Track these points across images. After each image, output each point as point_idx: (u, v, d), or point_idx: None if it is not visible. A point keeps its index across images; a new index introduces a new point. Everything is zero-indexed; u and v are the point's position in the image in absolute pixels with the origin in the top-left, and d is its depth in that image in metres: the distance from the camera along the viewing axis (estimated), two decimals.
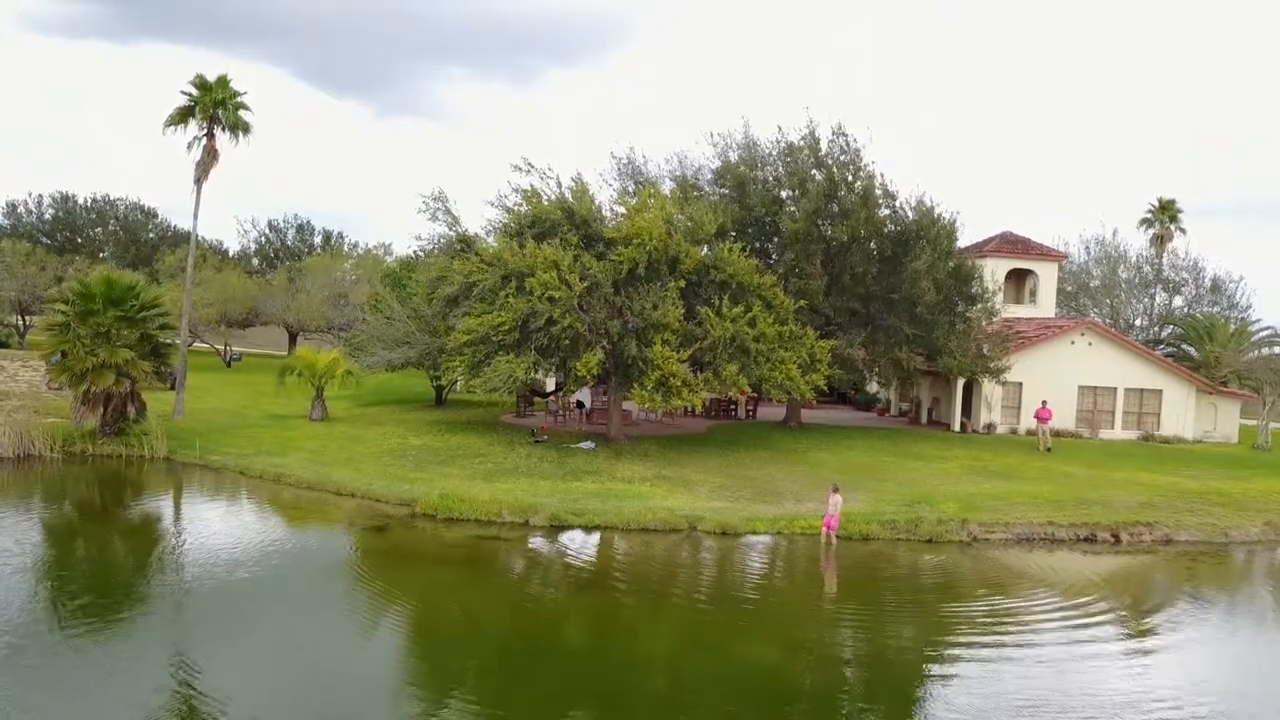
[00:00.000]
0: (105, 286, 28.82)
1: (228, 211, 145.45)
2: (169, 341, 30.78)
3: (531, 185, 29.04)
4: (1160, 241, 58.46)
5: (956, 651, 15.44)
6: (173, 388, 33.63)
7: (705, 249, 28.92)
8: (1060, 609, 17.83)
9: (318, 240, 77.32)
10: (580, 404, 32.46)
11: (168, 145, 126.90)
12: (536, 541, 21.11)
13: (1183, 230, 59.38)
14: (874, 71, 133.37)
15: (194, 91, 34.57)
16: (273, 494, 25.21)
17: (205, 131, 35.14)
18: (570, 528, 22.01)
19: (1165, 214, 59.17)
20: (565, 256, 26.31)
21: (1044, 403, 35.16)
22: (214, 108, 34.66)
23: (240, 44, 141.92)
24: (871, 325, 32.90)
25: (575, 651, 15.08)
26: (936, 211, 32.83)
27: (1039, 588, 19.44)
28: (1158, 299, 52.91)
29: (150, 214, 76.42)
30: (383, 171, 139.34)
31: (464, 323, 26.58)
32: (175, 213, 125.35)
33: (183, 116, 34.76)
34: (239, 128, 35.35)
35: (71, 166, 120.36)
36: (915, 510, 24.26)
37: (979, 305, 35.27)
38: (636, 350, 26.44)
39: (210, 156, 35.27)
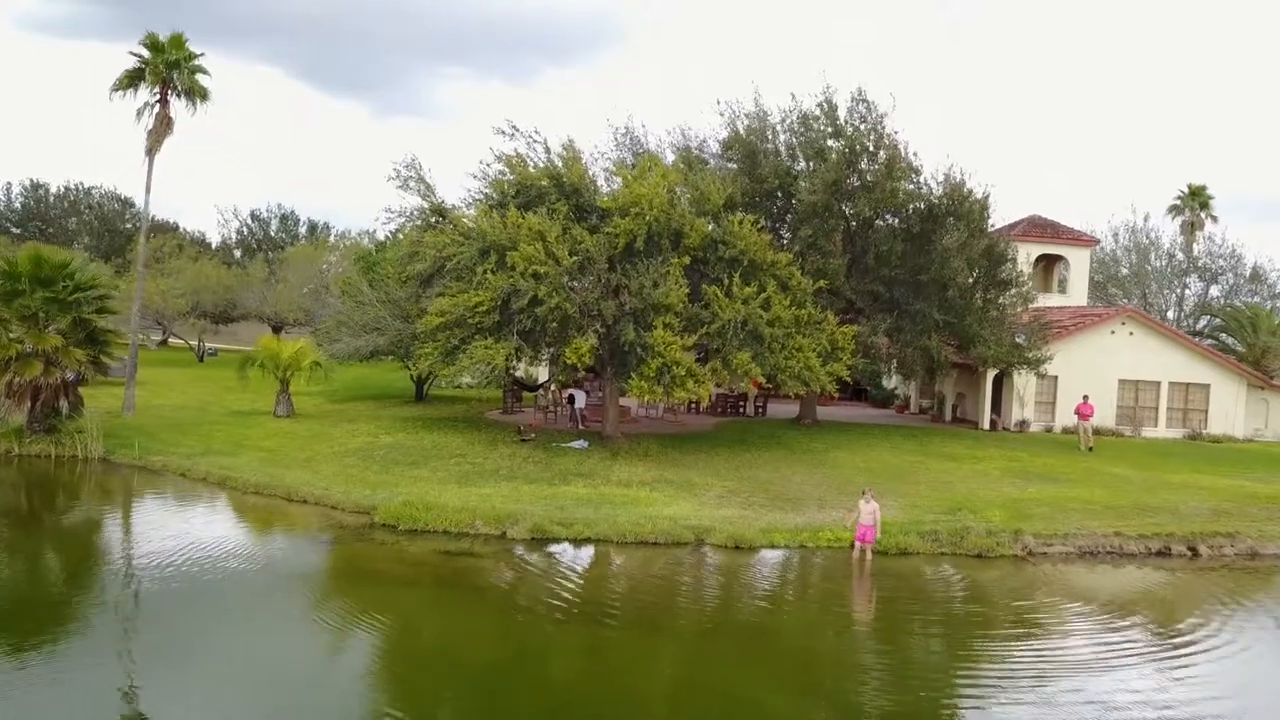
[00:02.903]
0: (33, 265, 25.43)
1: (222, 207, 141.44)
2: (108, 328, 27.30)
3: (516, 151, 25.66)
4: (1190, 229, 55.25)
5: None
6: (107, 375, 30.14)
7: (712, 224, 25.49)
8: (1172, 637, 14.48)
9: (303, 231, 73.87)
10: (572, 399, 29.08)
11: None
12: (513, 558, 17.72)
13: (1214, 218, 56.22)
14: (881, 66, 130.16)
15: (145, 53, 31.17)
16: (211, 500, 21.85)
17: (158, 97, 31.80)
18: (555, 541, 18.63)
19: (1195, 200, 55.99)
20: (553, 227, 22.93)
21: (1085, 398, 31.75)
22: (167, 70, 31.28)
23: (237, 43, 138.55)
24: (897, 311, 29.47)
25: (551, 707, 11.65)
26: (968, 186, 29.41)
27: (1132, 613, 16.05)
28: (1192, 289, 49.45)
29: (127, 203, 72.93)
30: (380, 171, 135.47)
31: (436, 303, 23.21)
32: (156, 204, 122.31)
33: (131, 80, 31.41)
34: (196, 93, 32.00)
35: (68, 165, 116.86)
36: (958, 519, 20.90)
37: (1013, 290, 31.84)
38: (634, 335, 23.05)
39: (163, 125, 31.92)
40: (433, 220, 25.11)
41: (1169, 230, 53.45)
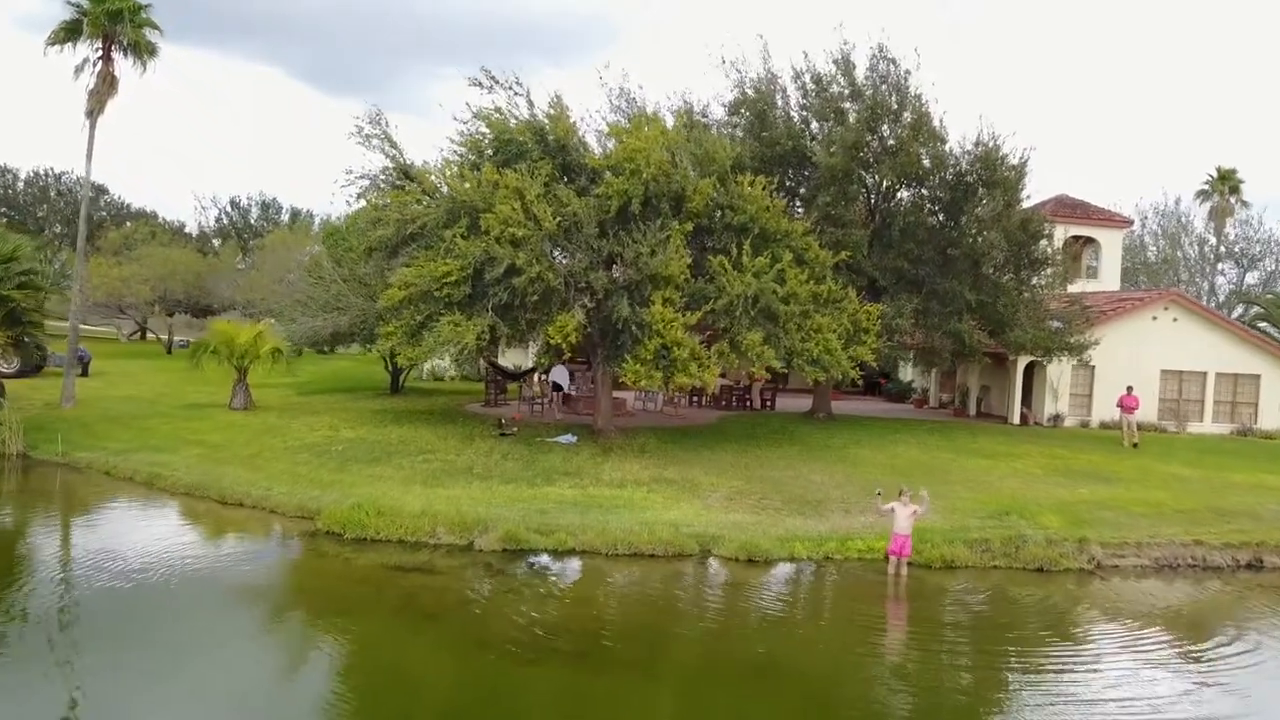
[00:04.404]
0: None
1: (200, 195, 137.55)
2: (32, 306, 24.03)
3: (495, 104, 22.45)
4: (1219, 214, 52.21)
5: None
6: (39, 369, 26.94)
7: (719, 188, 22.23)
8: None
9: (284, 219, 70.53)
10: (557, 385, 25.81)
11: (133, 128, 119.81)
12: (480, 576, 14.55)
13: (1244, 202, 53.20)
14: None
15: (84, 2, 27.93)
16: (132, 502, 18.66)
17: (99, 53, 28.57)
18: (532, 552, 15.47)
19: (1225, 184, 52.91)
20: (533, 185, 19.72)
21: (1129, 389, 28.61)
22: (109, 23, 28.02)
23: (231, 42, 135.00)
24: (924, 290, 26.29)
25: None
26: (1003, 151, 26.24)
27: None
28: (1227, 275, 46.32)
29: (101, 190, 69.64)
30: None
31: (399, 274, 20.02)
32: (139, 195, 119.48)
33: (69, 33, 28.16)
34: (142, 49, 28.73)
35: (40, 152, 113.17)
36: (1009, 524, 17.78)
37: (1049, 270, 28.67)
38: (629, 311, 19.85)
39: (106, 85, 28.62)
40: (398, 182, 21.86)
41: (1200, 214, 50.33)
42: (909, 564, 15.54)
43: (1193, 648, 12.97)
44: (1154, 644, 13.09)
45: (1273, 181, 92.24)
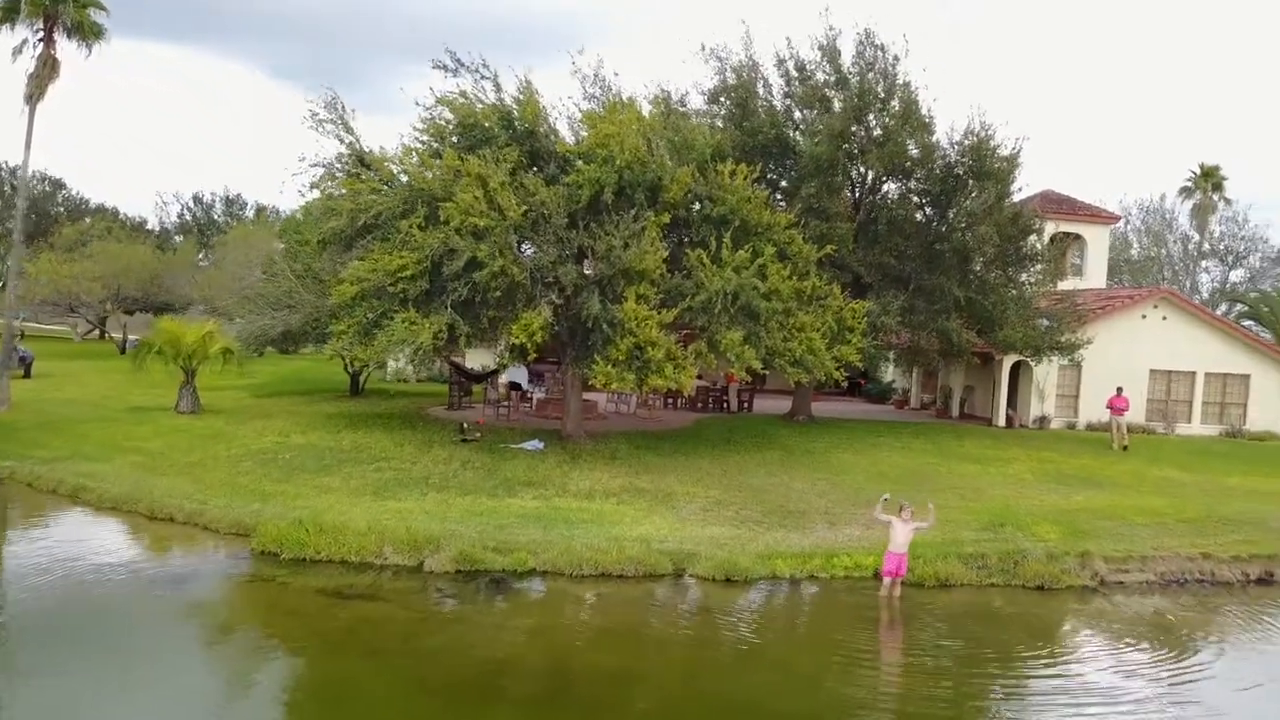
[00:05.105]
0: None
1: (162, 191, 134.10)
2: None
3: (459, 88, 20.97)
4: (1202, 211, 51.57)
5: None
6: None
7: (697, 177, 20.88)
8: None
9: (249, 215, 68.46)
10: (516, 386, 24.30)
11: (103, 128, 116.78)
12: (429, 602, 13.13)
13: (1227, 200, 52.59)
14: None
15: None
16: (43, 518, 17.04)
17: (41, 35, 26.86)
18: (489, 573, 14.06)
19: (1208, 181, 52.28)
20: (497, 172, 18.27)
21: (1119, 390, 27.55)
22: (50, 2, 26.33)
23: (210, 40, 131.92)
24: (912, 286, 25.06)
25: None
26: (993, 141, 25.06)
27: None
28: (1211, 273, 45.55)
29: (58, 184, 67.38)
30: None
31: (351, 268, 18.52)
32: (91, 187, 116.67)
33: (6, 13, 26.43)
34: (87, 31, 27.08)
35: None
36: (1005, 537, 16.60)
37: (1038, 266, 27.55)
38: (600, 308, 18.43)
39: (48, 69, 26.94)
40: (354, 170, 20.32)
41: (1183, 211, 49.61)
42: (901, 583, 14.28)
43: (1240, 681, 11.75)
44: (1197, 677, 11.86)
45: (1256, 178, 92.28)
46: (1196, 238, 46.91)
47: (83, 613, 12.19)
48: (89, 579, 13.42)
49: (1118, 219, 41.87)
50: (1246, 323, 40.72)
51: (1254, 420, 31.54)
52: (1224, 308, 44.83)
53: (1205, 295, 44.99)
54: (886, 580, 14.08)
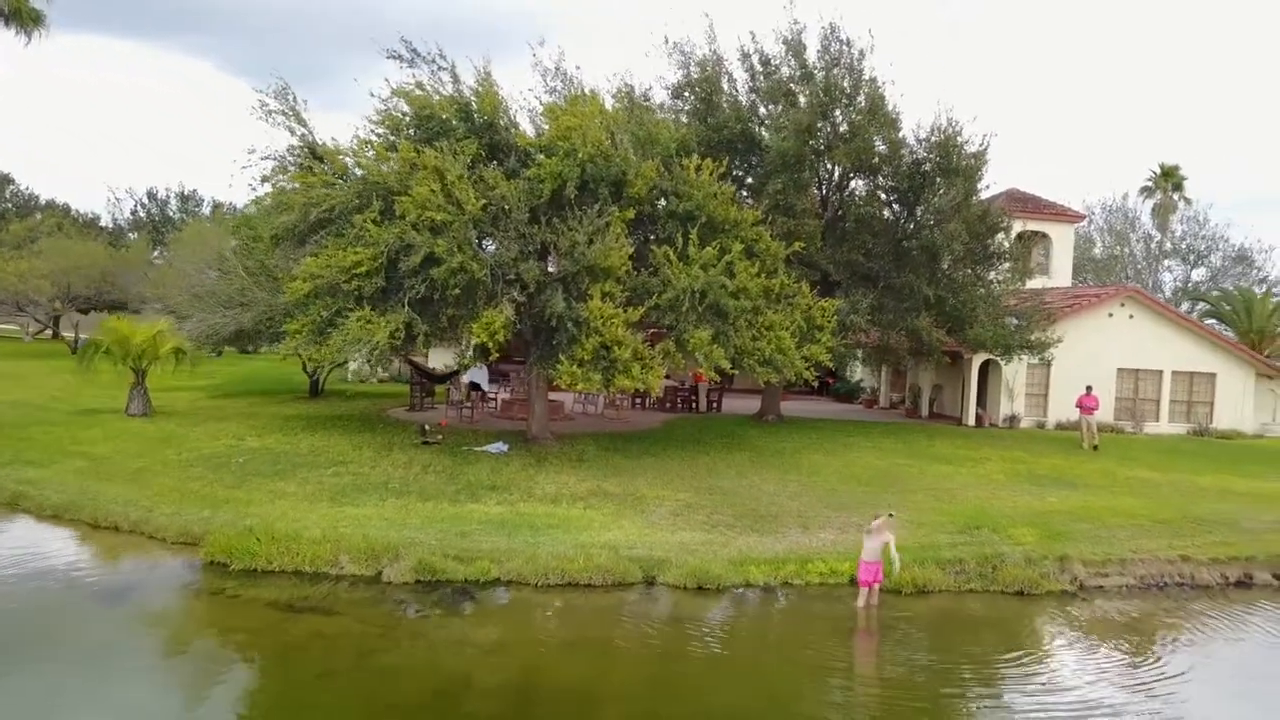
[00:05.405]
0: None
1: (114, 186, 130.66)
2: None
3: (416, 79, 20.25)
4: (1163, 211, 51.98)
5: None
6: None
7: (663, 172, 20.36)
8: None
9: (206, 211, 66.89)
10: (475, 386, 23.60)
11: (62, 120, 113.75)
12: (387, 615, 12.46)
13: (1187, 199, 53.07)
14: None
15: None
16: None
17: None
18: (450, 584, 13.42)
19: (1168, 180, 52.70)
20: (455, 165, 17.60)
21: (1089, 389, 27.41)
22: None
23: (163, 36, 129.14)
24: (880, 285, 24.73)
25: None
26: (961, 138, 24.78)
27: None
28: (1173, 272, 45.85)
29: (6, 179, 65.42)
30: None
31: (304, 265, 17.75)
32: (42, 184, 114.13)
33: None
34: (26, 18, 25.99)
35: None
36: (981, 540, 16.26)
37: (1006, 265, 27.35)
38: (564, 306, 17.85)
39: None
40: (306, 163, 19.54)
41: (1146, 210, 49.94)
42: (880, 589, 13.84)
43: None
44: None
45: (1216, 178, 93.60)
46: (1158, 237, 47.19)
47: (9, 626, 11.38)
48: (20, 590, 12.61)
49: (1082, 218, 42.00)
50: (1209, 321, 40.98)
51: (1220, 418, 31.66)
52: (1186, 306, 45.15)
53: (1168, 294, 45.24)
54: (864, 590, 13.62)
